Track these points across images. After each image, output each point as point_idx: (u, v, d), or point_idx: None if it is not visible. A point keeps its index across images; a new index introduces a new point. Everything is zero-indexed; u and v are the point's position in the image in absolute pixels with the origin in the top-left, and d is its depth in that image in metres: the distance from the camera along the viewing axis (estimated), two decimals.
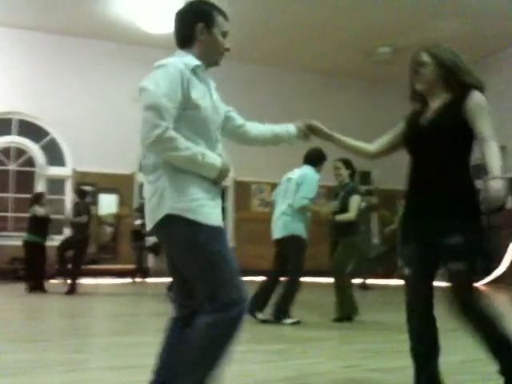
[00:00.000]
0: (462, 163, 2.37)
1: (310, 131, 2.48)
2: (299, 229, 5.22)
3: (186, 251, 1.99)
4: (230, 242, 11.81)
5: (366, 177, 13.46)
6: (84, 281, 8.34)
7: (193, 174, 1.97)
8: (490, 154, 2.24)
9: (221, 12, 2.13)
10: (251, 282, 11.91)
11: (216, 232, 2.00)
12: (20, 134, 11.30)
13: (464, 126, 2.32)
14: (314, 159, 5.40)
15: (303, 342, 4.24)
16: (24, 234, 8.30)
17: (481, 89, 2.37)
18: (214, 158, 2.00)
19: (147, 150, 1.96)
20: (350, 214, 5.27)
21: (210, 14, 2.09)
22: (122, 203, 11.26)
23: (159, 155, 1.95)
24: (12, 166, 11.36)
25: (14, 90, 10.82)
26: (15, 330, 4.78)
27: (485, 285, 10.26)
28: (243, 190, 12.01)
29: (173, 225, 1.96)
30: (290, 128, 2.42)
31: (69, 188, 11.38)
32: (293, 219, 5.22)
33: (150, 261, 11.27)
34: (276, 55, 11.90)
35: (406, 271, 2.47)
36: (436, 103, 2.43)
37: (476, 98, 2.32)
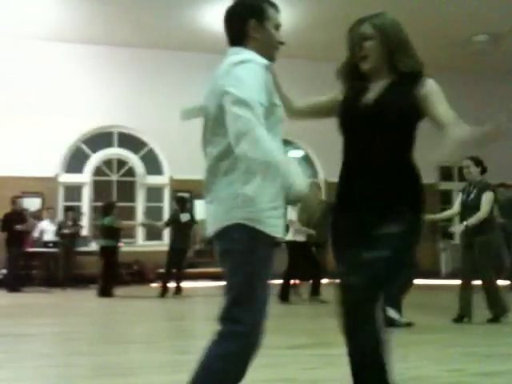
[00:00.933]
0: (407, 150, 2.12)
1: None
2: None
3: (239, 261, 1.84)
4: None
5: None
6: (183, 284, 8.66)
7: (270, 183, 1.79)
8: (459, 136, 1.89)
9: (272, 4, 2.01)
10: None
11: (272, 250, 1.88)
12: (120, 145, 11.98)
13: (411, 112, 2.08)
14: None
15: (405, 345, 4.14)
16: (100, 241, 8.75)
17: (422, 72, 2.13)
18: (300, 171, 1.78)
19: (238, 147, 1.73)
20: (481, 212, 5.12)
21: (262, 7, 1.97)
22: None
23: (248, 155, 1.71)
24: (115, 177, 12.05)
25: (114, 105, 11.45)
26: (123, 333, 5.05)
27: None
28: None
29: (238, 233, 1.82)
30: None
31: (167, 195, 11.90)
32: None
33: None
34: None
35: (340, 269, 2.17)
36: (378, 83, 2.15)
37: (431, 84, 2.09)
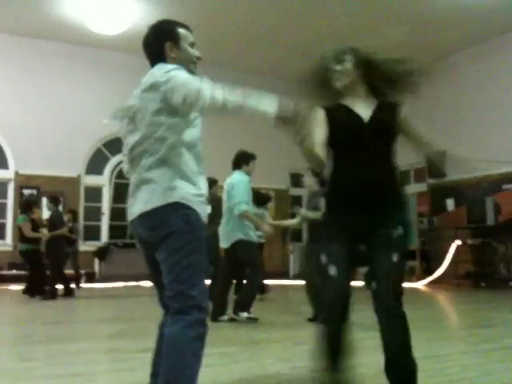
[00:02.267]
0: (394, 160, 2.48)
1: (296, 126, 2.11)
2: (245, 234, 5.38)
3: (171, 242, 2.04)
4: None
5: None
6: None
7: (196, 168, 2.12)
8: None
9: (183, 26, 2.28)
10: None
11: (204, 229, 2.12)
12: None
13: (396, 129, 2.45)
14: (238, 163, 5.51)
15: (253, 344, 4.25)
16: None
17: (404, 77, 2.51)
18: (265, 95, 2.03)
19: (212, 112, 2.03)
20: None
21: (174, 30, 2.23)
22: (66, 207, 10.95)
23: (223, 109, 1.99)
24: None
25: None
26: None
27: (426, 284, 10.59)
28: None
29: (174, 213, 2.03)
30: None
31: (11, 191, 11.00)
32: (233, 228, 5.39)
33: (96, 266, 11.05)
34: (232, 58, 11.90)
35: (332, 270, 2.39)
36: (360, 101, 2.46)
37: (404, 110, 2.48)
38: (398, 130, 2.45)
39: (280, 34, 10.66)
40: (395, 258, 2.34)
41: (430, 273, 10.91)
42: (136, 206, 2.14)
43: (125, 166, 2.27)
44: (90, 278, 10.77)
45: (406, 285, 10.18)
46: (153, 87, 2.09)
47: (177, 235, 2.05)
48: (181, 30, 2.25)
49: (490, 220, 10.14)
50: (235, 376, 3.12)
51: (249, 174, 5.51)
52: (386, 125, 2.43)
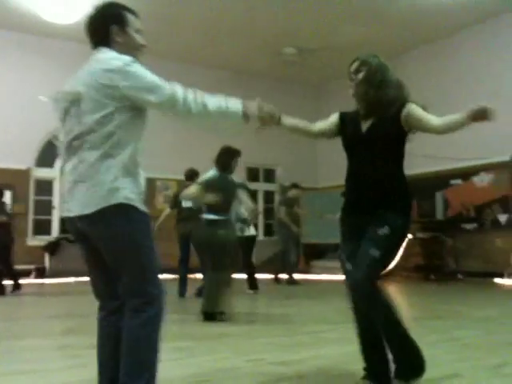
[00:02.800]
0: (397, 164, 2.66)
1: (264, 119, 2.43)
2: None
3: (121, 243, 2.05)
4: None
5: (269, 174, 13.77)
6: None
7: (139, 165, 2.12)
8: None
9: (131, 11, 2.22)
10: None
11: (149, 225, 2.15)
12: None
13: (397, 135, 2.62)
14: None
15: (209, 338, 4.26)
16: None
17: (401, 96, 2.71)
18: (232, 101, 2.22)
19: (185, 116, 2.10)
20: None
21: (121, 14, 2.18)
22: (16, 200, 10.63)
23: (198, 115, 2.09)
24: None
25: None
26: None
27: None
28: (148, 186, 11.76)
29: (118, 214, 2.02)
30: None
31: None
32: None
33: (47, 261, 10.79)
34: (188, 52, 11.77)
35: (348, 266, 2.66)
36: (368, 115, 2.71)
37: (409, 106, 2.62)
38: (401, 132, 2.61)
39: (242, 30, 10.63)
40: (374, 252, 2.50)
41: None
42: (74, 204, 2.07)
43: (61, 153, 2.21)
44: (41, 273, 10.51)
45: None
46: (105, 79, 2.04)
47: (122, 236, 2.04)
48: (128, 15, 2.20)
49: (439, 214, 10.48)
50: (191, 370, 3.13)
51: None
52: (382, 133, 2.62)
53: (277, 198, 12.48)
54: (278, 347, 3.87)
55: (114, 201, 2.01)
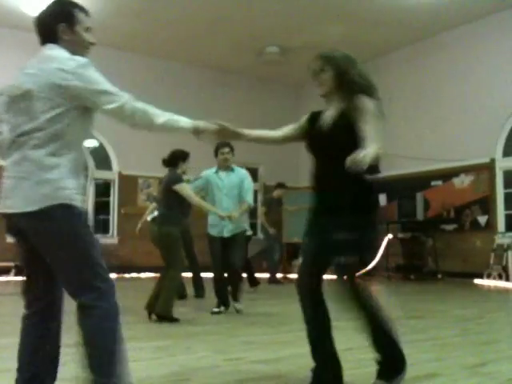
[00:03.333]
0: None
1: (219, 134, 2.52)
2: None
3: (65, 241, 2.04)
4: (115, 237, 11.49)
5: (253, 174, 13.73)
6: None
7: (83, 166, 2.15)
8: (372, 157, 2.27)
9: (81, 9, 2.22)
10: (138, 278, 11.59)
11: (90, 224, 2.13)
12: None
13: (356, 132, 2.46)
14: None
15: (188, 337, 4.23)
16: None
17: (370, 93, 2.56)
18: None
19: (131, 125, 2.17)
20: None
21: (71, 13, 2.17)
22: None
23: (146, 125, 2.17)
24: None
25: None
26: None
27: (359, 276, 10.88)
28: (129, 184, 11.71)
29: (62, 213, 2.02)
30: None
31: None
32: None
33: None
34: (168, 49, 11.70)
35: (300, 260, 2.70)
36: (332, 109, 2.62)
37: (361, 102, 2.48)
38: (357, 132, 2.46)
39: (220, 27, 10.59)
40: (329, 252, 2.51)
41: (363, 265, 11.23)
42: (16, 201, 2.05)
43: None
44: (21, 270, 10.36)
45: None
46: (59, 78, 2.04)
47: (66, 234, 2.04)
48: (78, 13, 2.20)
49: (420, 215, 10.56)
50: (170, 369, 3.11)
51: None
52: (339, 133, 2.52)
53: (260, 197, 12.47)
54: (259, 346, 3.86)
55: (58, 200, 2.02)
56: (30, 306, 2.21)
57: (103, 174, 11.69)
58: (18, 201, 2.04)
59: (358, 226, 2.48)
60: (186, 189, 5.17)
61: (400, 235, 10.71)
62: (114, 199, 11.78)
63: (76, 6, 2.22)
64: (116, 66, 11.15)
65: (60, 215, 2.02)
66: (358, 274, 2.71)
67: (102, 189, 11.91)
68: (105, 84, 2.11)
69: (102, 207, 11.82)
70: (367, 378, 2.77)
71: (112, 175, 11.65)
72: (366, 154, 2.15)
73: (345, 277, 2.57)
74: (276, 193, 9.91)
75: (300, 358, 3.37)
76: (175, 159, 5.37)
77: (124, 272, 10.80)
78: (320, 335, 2.67)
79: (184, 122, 2.28)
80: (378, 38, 11.07)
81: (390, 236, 10.78)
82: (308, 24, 10.39)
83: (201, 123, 2.35)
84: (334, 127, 2.55)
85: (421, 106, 11.14)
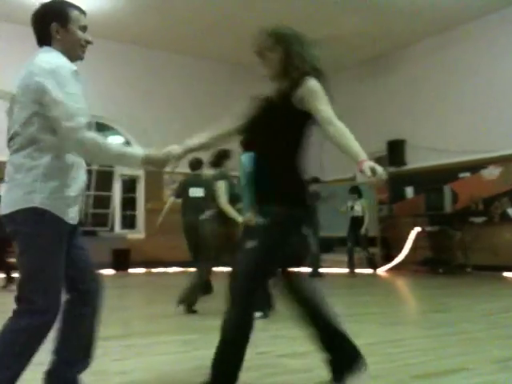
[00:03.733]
0: (287, 154, 2.34)
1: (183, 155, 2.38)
2: None
3: (22, 247, 2.04)
4: (142, 232, 11.62)
5: None
6: None
7: (68, 169, 2.09)
8: (344, 136, 2.15)
9: (76, 7, 2.17)
10: (165, 273, 11.67)
11: (60, 234, 2.08)
12: None
13: (291, 117, 2.29)
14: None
15: (215, 331, 4.26)
16: None
17: (318, 75, 2.34)
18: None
19: (77, 152, 2.08)
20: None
21: (63, 11, 2.13)
22: None
23: (93, 157, 2.14)
24: None
25: None
26: None
27: (387, 271, 10.83)
28: (155, 180, 11.83)
29: (29, 218, 2.01)
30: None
31: None
32: None
33: None
34: (185, 44, 11.74)
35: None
36: (275, 91, 2.43)
37: (307, 84, 2.28)
38: (298, 114, 2.29)
39: (236, 20, 10.56)
40: (248, 244, 2.33)
41: (390, 259, 11.16)
42: (1, 204, 2.11)
43: None
44: None
45: (366, 271, 10.41)
46: (32, 82, 2.02)
47: (27, 239, 2.04)
48: (72, 12, 2.14)
49: (448, 208, 10.42)
50: (197, 363, 3.13)
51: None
52: (273, 114, 2.34)
53: None
54: (286, 340, 3.87)
55: (28, 204, 2.01)
56: (67, 292, 2.26)
57: (130, 171, 11.83)
58: (1, 203, 2.09)
59: (270, 214, 2.29)
60: (220, 189, 5.26)
61: (428, 228, 10.60)
62: (140, 195, 11.92)
63: (69, 4, 2.17)
64: (134, 61, 11.26)
65: (22, 220, 2.01)
66: (292, 269, 2.55)
67: (129, 185, 12.08)
68: (68, 99, 1.99)
69: (129, 203, 12.00)
70: (394, 372, 2.76)
71: (138, 171, 11.77)
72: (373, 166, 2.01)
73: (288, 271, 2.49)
74: (312, 188, 9.62)
75: None
76: (220, 159, 5.45)
77: (151, 267, 10.94)
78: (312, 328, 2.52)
79: (135, 155, 2.16)
80: (401, 29, 10.91)
81: (417, 229, 10.68)
82: (327, 16, 10.30)
83: (150, 156, 2.19)
84: (269, 109, 2.39)
85: (447, 98, 10.97)
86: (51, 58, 2.06)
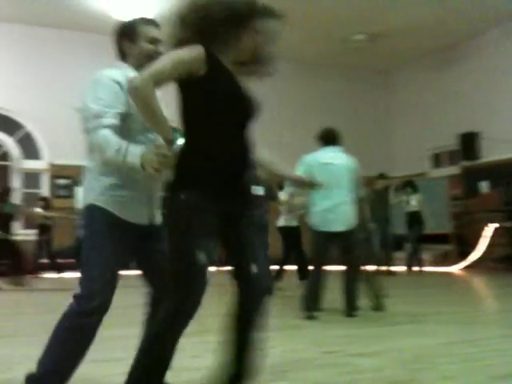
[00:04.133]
0: (198, 129, 2.06)
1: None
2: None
3: (85, 239, 2.22)
4: None
5: None
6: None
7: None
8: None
9: (146, 22, 2.32)
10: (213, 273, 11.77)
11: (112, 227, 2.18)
12: None
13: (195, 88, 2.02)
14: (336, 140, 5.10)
15: (284, 329, 4.28)
16: None
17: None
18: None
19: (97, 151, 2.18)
20: None
21: (131, 28, 2.30)
22: None
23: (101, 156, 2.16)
24: None
25: None
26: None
27: (462, 269, 10.45)
28: None
29: (87, 213, 2.22)
30: None
31: (46, 182, 11.26)
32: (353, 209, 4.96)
33: None
34: None
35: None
36: None
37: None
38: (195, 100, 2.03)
39: (299, 17, 10.51)
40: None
41: (465, 257, 10.76)
42: None
43: None
44: None
45: (440, 269, 10.09)
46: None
47: (85, 233, 2.24)
48: (140, 27, 2.30)
49: None
50: (268, 360, 3.14)
51: None
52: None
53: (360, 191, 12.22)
54: (356, 339, 3.83)
55: (86, 201, 2.24)
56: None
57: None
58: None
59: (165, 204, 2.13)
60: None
61: (505, 224, 10.14)
62: None
63: (139, 20, 2.34)
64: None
65: (83, 216, 2.26)
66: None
67: None
68: (98, 101, 2.14)
69: None
70: (472, 372, 2.67)
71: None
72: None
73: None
74: (379, 184, 9.42)
75: (398, 351, 3.32)
76: None
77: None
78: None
79: (134, 157, 2.03)
80: (468, 20, 10.51)
81: (495, 225, 10.23)
82: (395, 8, 10.07)
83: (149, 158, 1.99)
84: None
85: None
86: (106, 71, 2.24)
